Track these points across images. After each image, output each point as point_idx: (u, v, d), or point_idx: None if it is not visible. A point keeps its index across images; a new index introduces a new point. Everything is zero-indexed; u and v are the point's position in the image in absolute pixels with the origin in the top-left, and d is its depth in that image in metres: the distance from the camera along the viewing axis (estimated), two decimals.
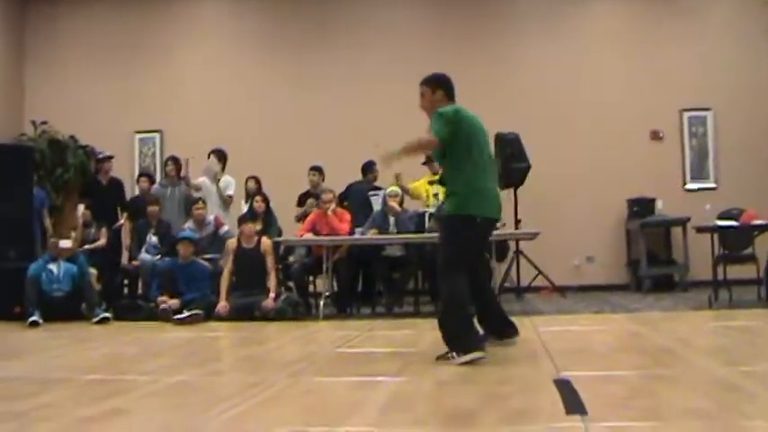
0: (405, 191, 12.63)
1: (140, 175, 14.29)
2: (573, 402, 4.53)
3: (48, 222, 13.63)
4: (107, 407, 4.88)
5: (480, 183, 6.79)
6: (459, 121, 6.92)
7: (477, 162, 6.86)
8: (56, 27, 16.69)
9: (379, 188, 12.65)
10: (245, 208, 13.33)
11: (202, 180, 13.14)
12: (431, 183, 12.94)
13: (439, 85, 7.25)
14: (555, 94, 15.28)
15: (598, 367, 6.06)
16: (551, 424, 4.15)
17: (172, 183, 13.27)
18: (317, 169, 13.23)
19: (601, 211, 14.98)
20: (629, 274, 14.77)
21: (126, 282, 12.84)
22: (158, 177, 14.77)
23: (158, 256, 12.08)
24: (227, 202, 13.06)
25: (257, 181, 13.53)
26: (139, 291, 12.59)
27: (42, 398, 5.26)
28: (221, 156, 13.33)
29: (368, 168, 13.26)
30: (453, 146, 6.85)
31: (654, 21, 15.41)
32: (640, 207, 14.43)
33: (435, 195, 12.70)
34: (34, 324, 10.89)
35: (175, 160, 13.41)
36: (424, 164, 12.98)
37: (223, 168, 13.33)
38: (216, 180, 13.07)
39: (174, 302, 11.02)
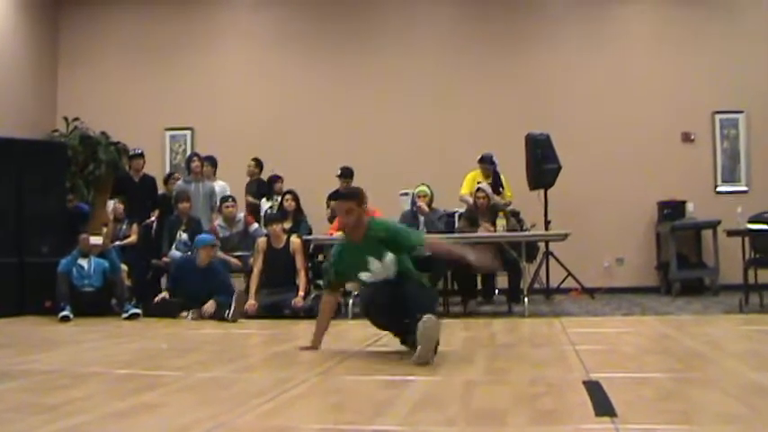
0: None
1: (170, 174, 14.39)
2: (603, 404, 4.51)
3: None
4: (138, 401, 4.91)
5: None
6: None
7: None
8: (89, 25, 16.77)
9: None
10: (266, 206, 13.40)
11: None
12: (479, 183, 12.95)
13: (362, 198, 6.99)
14: (586, 96, 15.25)
15: (628, 369, 6.05)
16: (581, 425, 4.14)
17: (197, 179, 13.32)
18: (348, 174, 13.21)
19: (631, 213, 14.93)
20: (658, 277, 14.72)
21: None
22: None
23: (189, 253, 12.13)
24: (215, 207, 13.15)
25: (282, 180, 13.63)
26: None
27: (74, 391, 5.29)
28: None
29: None
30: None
31: (685, 23, 15.34)
32: (671, 209, 14.38)
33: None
34: (65, 319, 10.96)
35: (200, 157, 13.53)
36: (480, 161, 12.99)
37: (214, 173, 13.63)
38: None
39: (210, 305, 11.06)
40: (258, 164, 14.32)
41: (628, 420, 4.12)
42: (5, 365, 6.73)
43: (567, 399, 4.89)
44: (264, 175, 14.16)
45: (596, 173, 14.91)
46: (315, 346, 7.09)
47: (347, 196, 7.05)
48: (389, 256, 6.76)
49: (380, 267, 6.77)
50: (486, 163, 12.91)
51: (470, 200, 12.41)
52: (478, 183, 12.70)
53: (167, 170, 15.48)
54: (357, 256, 6.87)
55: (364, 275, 6.88)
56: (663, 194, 14.57)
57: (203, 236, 11.71)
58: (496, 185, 12.59)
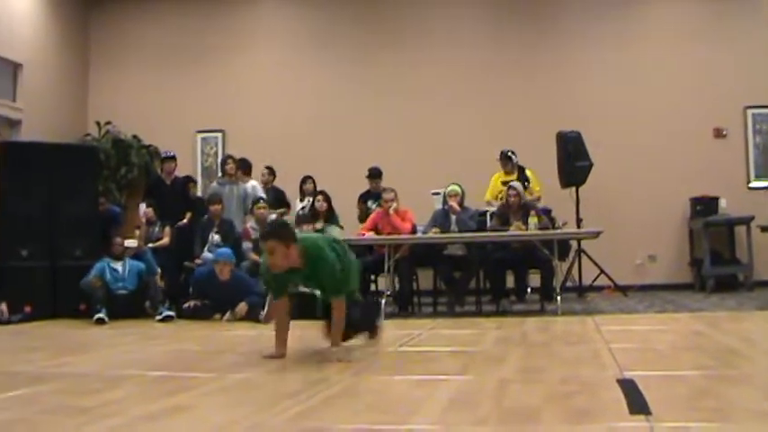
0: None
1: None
2: (637, 402, 4.48)
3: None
4: (172, 403, 4.93)
5: None
6: None
7: None
8: (119, 28, 16.88)
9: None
10: (298, 206, 13.43)
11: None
12: (504, 183, 12.96)
13: (291, 237, 6.77)
14: (617, 92, 15.21)
15: (662, 367, 6.01)
16: (615, 424, 4.11)
17: (230, 181, 13.37)
18: (376, 174, 13.25)
19: (663, 209, 14.86)
20: (692, 274, 14.63)
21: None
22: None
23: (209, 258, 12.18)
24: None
25: (314, 181, 13.66)
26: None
27: (108, 394, 5.32)
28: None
29: None
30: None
31: (716, 17, 15.26)
32: (703, 206, 14.30)
33: None
34: (100, 321, 11.03)
35: (234, 159, 13.60)
36: (499, 158, 13.05)
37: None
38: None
39: (242, 308, 11.08)
40: (271, 172, 14.28)
41: (662, 418, 4.09)
42: (40, 368, 6.78)
43: (600, 397, 4.87)
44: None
45: (628, 170, 14.85)
46: (280, 353, 6.91)
47: (269, 234, 6.85)
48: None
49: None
50: (504, 158, 12.98)
51: (494, 206, 12.52)
52: (503, 182, 12.76)
53: (199, 172, 15.59)
54: (287, 279, 6.92)
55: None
56: (695, 191, 14.49)
57: (222, 251, 11.69)
58: (522, 180, 12.61)
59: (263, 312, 10.58)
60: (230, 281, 11.22)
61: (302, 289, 7.16)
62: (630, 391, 4.82)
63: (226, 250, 11.65)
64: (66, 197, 12.61)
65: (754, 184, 14.90)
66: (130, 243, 12.33)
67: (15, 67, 15.00)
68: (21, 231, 12.35)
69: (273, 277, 6.87)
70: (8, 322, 11.22)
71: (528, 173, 13.12)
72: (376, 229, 11.97)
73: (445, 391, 5.17)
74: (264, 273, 7.05)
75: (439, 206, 12.38)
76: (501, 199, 12.58)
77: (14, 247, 12.34)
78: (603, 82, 15.29)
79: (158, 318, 11.24)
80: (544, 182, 13.35)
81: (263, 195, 13.19)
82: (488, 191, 13.17)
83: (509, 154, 13.14)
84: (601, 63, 15.38)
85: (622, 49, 15.38)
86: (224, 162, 13.93)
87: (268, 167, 14.28)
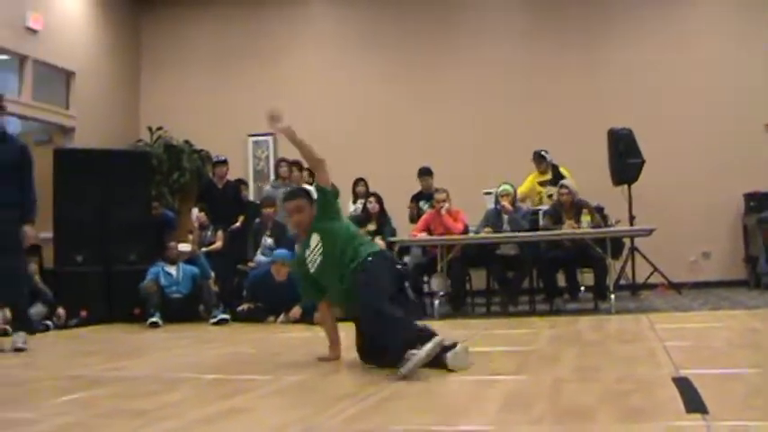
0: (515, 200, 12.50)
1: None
2: (693, 401, 4.44)
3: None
4: (227, 406, 4.96)
5: None
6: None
7: None
8: (170, 33, 17.02)
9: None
10: (351, 208, 13.44)
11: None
12: (541, 183, 12.94)
13: (312, 199, 6.94)
14: (668, 89, 15.05)
15: (718, 365, 5.95)
16: (672, 422, 4.08)
17: (284, 184, 13.42)
18: (427, 172, 13.26)
19: (717, 205, 14.71)
20: (746, 271, 14.48)
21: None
22: (271, 178, 15.06)
23: (264, 259, 12.23)
24: None
25: (366, 183, 13.68)
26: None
27: (165, 397, 5.37)
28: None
29: None
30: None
31: (764, 8, 15.08)
32: (757, 201, 14.14)
33: (550, 196, 12.65)
34: (154, 325, 11.14)
35: (288, 162, 13.65)
36: (532, 159, 13.07)
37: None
38: None
39: (296, 311, 11.13)
40: (311, 174, 14.20)
41: (719, 417, 4.06)
42: (96, 372, 6.85)
43: (656, 396, 4.84)
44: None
45: (680, 166, 14.71)
46: (334, 355, 6.90)
47: (296, 193, 7.08)
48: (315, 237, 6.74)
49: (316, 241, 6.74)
50: (537, 158, 13.03)
51: (526, 204, 12.71)
52: (539, 182, 12.78)
53: (251, 176, 15.69)
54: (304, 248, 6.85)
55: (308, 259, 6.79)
56: (748, 186, 14.33)
57: (279, 251, 11.75)
58: (556, 179, 12.59)
59: (318, 314, 10.62)
60: (286, 282, 11.23)
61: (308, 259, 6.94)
62: (686, 389, 4.77)
63: (283, 251, 11.70)
64: (119, 203, 12.76)
65: None
66: (184, 247, 12.43)
67: (68, 76, 15.15)
68: (75, 237, 12.52)
69: (304, 274, 6.91)
70: (65, 327, 11.34)
71: (562, 170, 13.09)
72: (428, 230, 11.96)
73: (500, 391, 5.17)
74: (297, 267, 7.10)
75: (491, 206, 12.36)
76: (539, 201, 12.64)
77: (69, 252, 12.53)
78: (655, 79, 15.12)
79: (212, 321, 11.32)
80: (596, 180, 13.29)
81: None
82: (520, 188, 13.08)
83: (542, 153, 13.16)
84: (650, 58, 15.20)
85: (671, 43, 15.22)
86: (278, 165, 14.03)
87: (308, 169, 14.29)
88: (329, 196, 6.87)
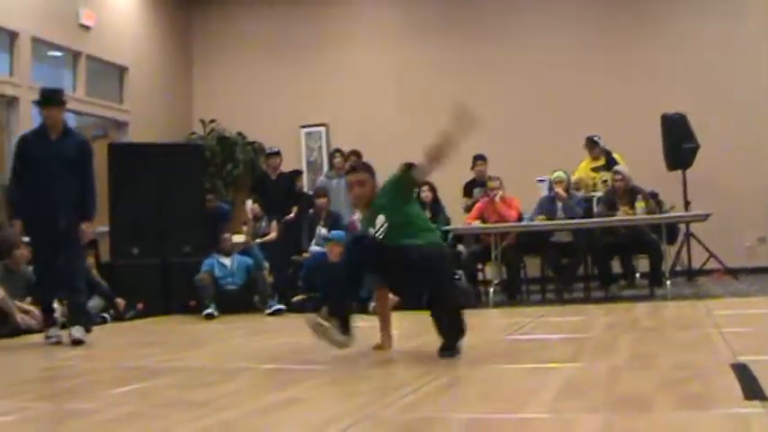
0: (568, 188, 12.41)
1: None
2: (752, 387, 4.40)
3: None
4: (285, 396, 4.98)
5: None
6: None
7: None
8: (221, 26, 17.08)
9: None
10: None
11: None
12: (594, 169, 12.86)
13: (374, 174, 6.90)
14: (721, 72, 14.86)
15: None
16: (730, 409, 4.04)
17: (339, 174, 13.42)
18: (481, 158, 13.23)
19: None
20: None
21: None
22: (325, 169, 15.10)
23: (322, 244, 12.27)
24: None
25: None
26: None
27: (222, 387, 5.42)
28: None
29: None
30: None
31: None
32: None
33: (604, 182, 12.56)
34: (209, 316, 11.21)
35: (342, 153, 13.66)
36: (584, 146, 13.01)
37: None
38: None
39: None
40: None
41: None
42: (155, 363, 6.91)
43: (714, 382, 4.80)
44: None
45: (735, 151, 14.52)
46: (388, 345, 6.83)
47: (360, 167, 7.00)
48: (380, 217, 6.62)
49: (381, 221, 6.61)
50: (590, 144, 12.95)
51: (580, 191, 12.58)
52: (592, 168, 12.71)
53: (304, 167, 15.75)
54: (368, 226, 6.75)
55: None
56: None
57: (335, 232, 11.78)
58: (609, 164, 12.52)
59: (373, 304, 10.63)
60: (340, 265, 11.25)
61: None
62: (744, 376, 4.73)
63: (339, 232, 11.76)
64: (174, 195, 12.85)
65: None
66: (238, 239, 12.50)
67: (122, 71, 15.30)
68: (130, 230, 12.65)
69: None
70: (122, 318, 11.45)
71: (616, 156, 12.99)
72: (482, 218, 11.93)
73: (556, 378, 5.15)
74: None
75: (544, 193, 12.30)
76: (593, 188, 12.57)
77: (125, 245, 12.64)
78: (710, 63, 14.93)
79: (268, 312, 11.38)
80: (650, 166, 13.19)
81: None
82: (574, 175, 13.00)
83: (595, 139, 13.05)
84: (703, 42, 15.03)
85: (725, 27, 15.00)
86: (332, 156, 14.07)
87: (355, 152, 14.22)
88: (412, 185, 6.89)
